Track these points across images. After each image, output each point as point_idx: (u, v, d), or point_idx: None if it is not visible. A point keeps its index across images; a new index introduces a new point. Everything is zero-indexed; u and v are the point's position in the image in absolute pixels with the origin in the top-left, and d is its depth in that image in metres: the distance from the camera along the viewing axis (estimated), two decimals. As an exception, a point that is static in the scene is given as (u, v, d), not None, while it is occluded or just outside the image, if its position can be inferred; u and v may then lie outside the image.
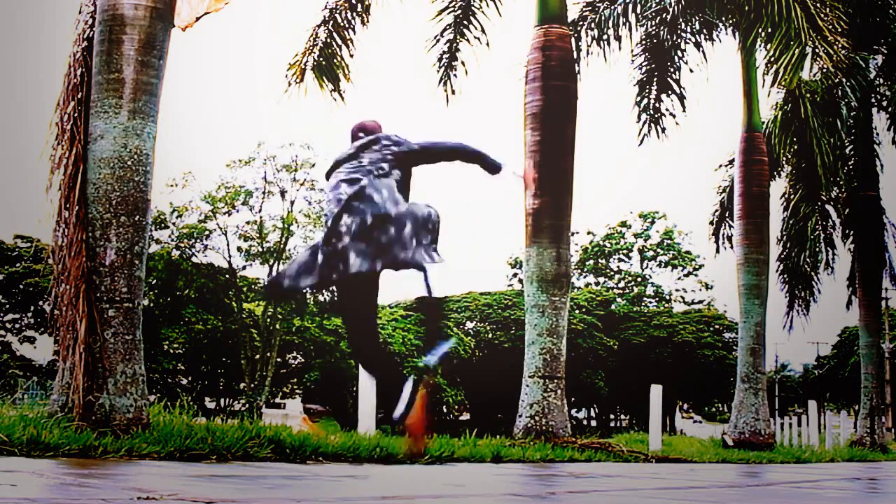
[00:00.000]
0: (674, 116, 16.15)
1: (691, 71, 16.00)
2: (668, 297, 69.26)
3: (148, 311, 45.67)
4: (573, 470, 7.55)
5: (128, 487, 4.01)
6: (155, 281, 50.11)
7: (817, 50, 11.43)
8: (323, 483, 4.96)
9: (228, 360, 55.24)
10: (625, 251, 69.10)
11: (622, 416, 69.98)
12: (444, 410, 57.78)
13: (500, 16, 13.27)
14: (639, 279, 69.19)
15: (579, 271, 68.64)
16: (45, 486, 3.95)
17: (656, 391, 12.57)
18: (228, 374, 56.89)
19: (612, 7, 15.28)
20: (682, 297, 69.67)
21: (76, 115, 6.72)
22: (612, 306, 63.66)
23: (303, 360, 56.99)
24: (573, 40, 13.66)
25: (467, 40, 13.41)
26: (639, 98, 16.22)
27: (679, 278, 69.69)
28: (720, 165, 20.51)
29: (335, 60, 12.71)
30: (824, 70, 14.16)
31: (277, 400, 55.12)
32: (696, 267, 68.70)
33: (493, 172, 5.24)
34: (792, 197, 19.96)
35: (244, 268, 53.02)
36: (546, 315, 10.77)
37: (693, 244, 68.83)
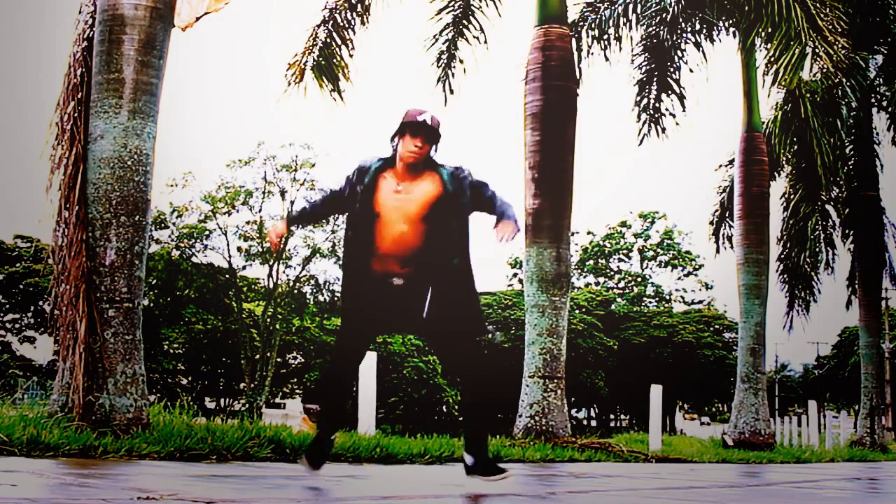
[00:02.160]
0: (674, 116, 16.16)
1: (691, 71, 16.02)
2: (668, 297, 69.25)
3: (148, 311, 45.67)
4: (573, 470, 7.55)
5: (128, 487, 4.01)
6: (155, 281, 50.12)
7: (817, 50, 11.43)
8: (323, 483, 4.96)
9: (228, 360, 55.26)
10: (625, 251, 69.08)
11: (622, 416, 69.98)
12: (444, 410, 57.77)
13: (499, 16, 13.28)
14: (639, 279, 69.18)
15: (579, 271, 68.61)
16: (45, 486, 3.95)
17: (656, 391, 12.56)
18: (228, 374, 56.91)
19: (613, 7, 15.28)
20: (682, 297, 69.67)
21: (76, 115, 6.72)
22: (612, 306, 63.65)
23: (303, 360, 57.00)
24: (573, 40, 13.67)
25: (466, 40, 13.41)
26: (639, 98, 16.23)
27: (679, 278, 69.70)
28: (720, 165, 20.54)
29: (335, 60, 12.70)
30: (824, 70, 14.16)
31: (277, 400, 55.16)
32: (696, 267, 68.69)
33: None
34: (792, 197, 19.96)
35: (244, 268, 53.05)
36: (546, 315, 10.77)
37: (693, 244, 68.88)
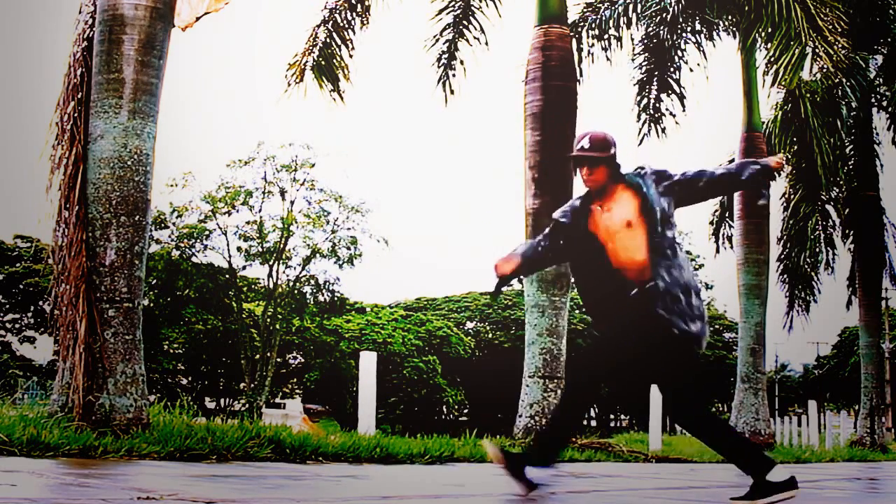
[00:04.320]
0: (674, 116, 16.16)
1: (691, 70, 16.02)
2: (668, 297, 69.11)
3: (148, 311, 45.63)
4: (573, 470, 7.54)
5: (128, 487, 4.01)
6: (155, 281, 50.07)
7: (817, 50, 11.43)
8: (323, 483, 4.96)
9: (228, 360, 55.21)
10: (625, 251, 69.00)
11: (622, 416, 69.93)
12: (444, 410, 57.79)
13: (499, 16, 13.27)
14: (639, 279, 69.10)
15: (579, 271, 68.55)
16: (45, 486, 3.95)
17: (656, 391, 12.56)
18: (228, 374, 56.86)
19: (613, 7, 15.28)
20: (683, 297, 69.53)
21: (76, 115, 6.72)
22: (613, 306, 63.51)
23: (303, 360, 56.98)
24: (573, 40, 13.67)
25: (466, 40, 13.41)
26: (639, 98, 16.22)
27: (679, 278, 69.57)
28: (720, 165, 20.49)
29: (335, 60, 12.70)
30: (824, 70, 14.15)
31: (277, 400, 55.13)
32: (697, 267, 68.63)
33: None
34: (792, 197, 19.96)
35: (244, 268, 52.98)
36: (546, 315, 10.77)
37: (693, 244, 68.71)
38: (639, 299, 4.43)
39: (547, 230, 4.80)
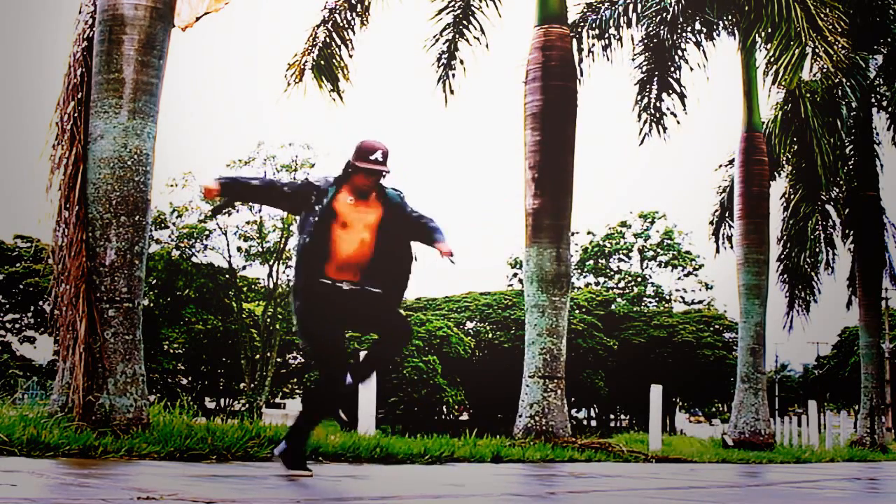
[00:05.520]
0: (675, 116, 16.15)
1: (692, 70, 16.00)
2: (668, 297, 69.19)
3: (148, 311, 45.61)
4: (573, 470, 7.55)
5: (128, 487, 4.01)
6: (155, 281, 50.09)
7: (817, 50, 11.43)
8: (323, 483, 4.96)
9: (228, 360, 55.22)
10: (625, 251, 69.02)
11: (622, 416, 69.91)
12: (444, 410, 57.77)
13: (499, 16, 13.27)
14: (639, 279, 69.13)
15: (579, 271, 68.57)
16: (45, 486, 3.95)
17: (656, 391, 12.56)
18: (228, 374, 56.87)
19: (613, 7, 15.28)
20: (682, 297, 69.59)
21: (76, 115, 6.72)
22: (612, 306, 63.57)
23: (303, 360, 56.98)
24: (574, 40, 13.67)
25: (466, 40, 13.41)
26: (639, 97, 16.21)
27: (679, 278, 69.62)
28: (720, 165, 20.51)
29: (334, 60, 12.70)
30: (824, 70, 14.15)
31: (277, 400, 55.13)
32: (696, 267, 68.61)
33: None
34: (792, 197, 19.96)
35: (244, 268, 53.02)
36: (546, 315, 10.77)
37: (693, 244, 68.71)
38: (347, 289, 5.04)
39: (300, 182, 5.29)
